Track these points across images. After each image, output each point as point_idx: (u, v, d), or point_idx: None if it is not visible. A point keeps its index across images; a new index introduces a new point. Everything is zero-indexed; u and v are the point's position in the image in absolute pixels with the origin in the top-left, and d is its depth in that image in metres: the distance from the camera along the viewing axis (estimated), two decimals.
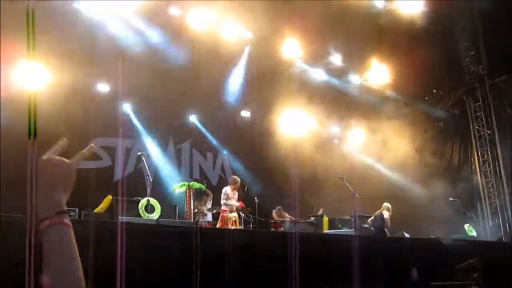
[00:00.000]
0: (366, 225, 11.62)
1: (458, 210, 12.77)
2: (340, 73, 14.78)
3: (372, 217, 11.86)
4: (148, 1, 11.56)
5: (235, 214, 10.46)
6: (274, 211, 12.46)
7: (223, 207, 10.52)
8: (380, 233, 11.29)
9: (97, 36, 11.08)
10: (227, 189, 10.68)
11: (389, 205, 11.84)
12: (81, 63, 10.81)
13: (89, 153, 1.40)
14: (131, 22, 11.81)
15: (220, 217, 10.47)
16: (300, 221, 12.33)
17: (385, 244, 9.42)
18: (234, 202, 10.65)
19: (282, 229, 11.51)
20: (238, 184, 10.85)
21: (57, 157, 1.34)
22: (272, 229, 11.50)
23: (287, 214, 12.44)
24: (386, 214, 11.62)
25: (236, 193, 10.81)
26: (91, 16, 11.18)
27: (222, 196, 10.61)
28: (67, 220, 1.27)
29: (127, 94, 12.58)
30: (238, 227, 10.33)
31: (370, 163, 14.62)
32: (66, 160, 1.34)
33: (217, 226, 10.27)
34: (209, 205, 11.26)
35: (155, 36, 12.21)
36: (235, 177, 11.18)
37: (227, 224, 10.23)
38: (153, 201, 8.99)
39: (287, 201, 12.27)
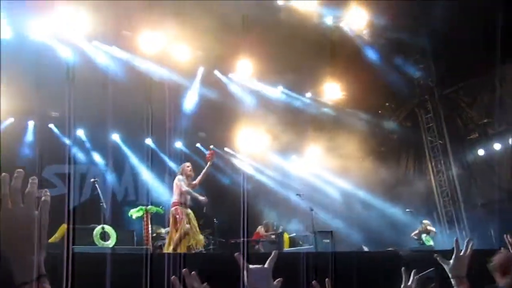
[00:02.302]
0: (327, 240, 11.65)
1: (415, 221, 13.00)
2: (294, 90, 14.94)
3: (417, 232, 13.23)
4: (99, 24, 11.42)
5: (190, 211, 9.00)
6: (261, 226, 12.49)
7: (176, 199, 8.92)
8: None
9: (46, 61, 10.86)
10: (184, 178, 9.13)
11: (429, 222, 13.62)
12: (32, 88, 10.59)
13: (49, 198, 1.31)
14: (82, 46, 11.64)
15: (174, 210, 8.88)
16: (261, 240, 12.31)
17: (346, 258, 9.43)
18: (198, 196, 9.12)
19: (260, 247, 11.54)
20: (189, 170, 9.33)
21: (22, 205, 1.21)
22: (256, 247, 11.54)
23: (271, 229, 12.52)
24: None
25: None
26: (39, 40, 10.96)
27: (182, 184, 8.98)
28: (47, 285, 1.20)
29: (79, 119, 12.38)
30: (195, 224, 8.95)
31: (327, 178, 14.75)
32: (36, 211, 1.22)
33: (171, 222, 8.88)
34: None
35: (106, 60, 12.08)
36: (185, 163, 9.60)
37: (182, 220, 8.68)
38: (108, 228, 8.80)
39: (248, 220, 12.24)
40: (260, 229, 12.52)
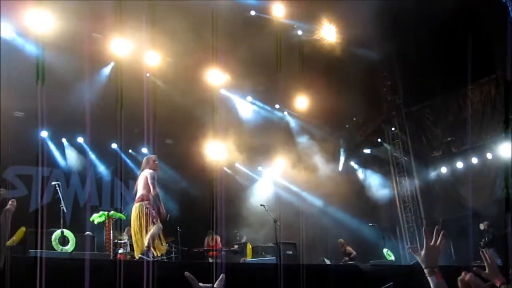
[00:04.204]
0: (290, 252, 11.69)
1: (378, 235, 13.14)
2: (263, 101, 15.01)
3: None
4: (68, 26, 11.24)
5: None
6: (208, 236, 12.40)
7: (146, 194, 7.92)
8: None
9: (13, 59, 10.63)
10: (155, 174, 8.14)
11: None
12: None
13: (13, 207, 1.34)
14: (50, 45, 11.44)
15: (148, 205, 7.85)
16: (224, 249, 12.26)
17: (307, 271, 9.47)
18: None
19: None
20: (156, 165, 8.37)
21: None
22: (210, 259, 11.43)
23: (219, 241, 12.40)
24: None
25: None
26: (5, 38, 10.74)
27: (151, 180, 7.96)
28: None
29: (44, 120, 12.14)
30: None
31: (293, 191, 14.82)
32: None
33: (137, 221, 7.79)
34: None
35: (76, 61, 11.90)
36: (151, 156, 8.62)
37: (155, 218, 7.81)
38: (68, 233, 8.63)
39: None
40: (217, 238, 12.40)
